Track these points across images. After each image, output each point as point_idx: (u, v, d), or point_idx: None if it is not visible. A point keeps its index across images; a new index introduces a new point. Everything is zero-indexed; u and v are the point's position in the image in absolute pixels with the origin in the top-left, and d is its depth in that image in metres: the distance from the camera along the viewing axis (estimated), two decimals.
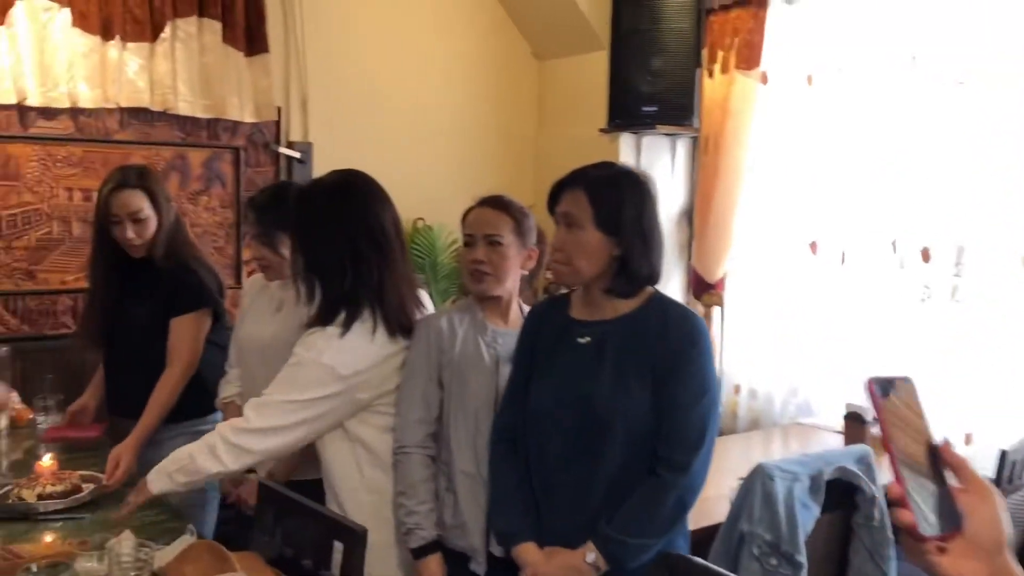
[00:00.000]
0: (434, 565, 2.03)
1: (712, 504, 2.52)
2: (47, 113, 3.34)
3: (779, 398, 3.80)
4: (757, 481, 2.25)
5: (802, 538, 2.26)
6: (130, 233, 2.59)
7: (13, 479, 2.32)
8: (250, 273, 3.62)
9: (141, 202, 2.60)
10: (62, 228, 3.44)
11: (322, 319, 2.11)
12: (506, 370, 2.09)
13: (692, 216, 4.12)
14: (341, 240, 2.09)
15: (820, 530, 2.38)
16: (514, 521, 1.93)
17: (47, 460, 2.34)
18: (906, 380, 0.86)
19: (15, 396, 3.06)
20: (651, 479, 1.82)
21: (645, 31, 3.87)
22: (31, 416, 2.98)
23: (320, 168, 3.82)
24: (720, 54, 3.82)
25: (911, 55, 3.34)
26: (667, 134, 4.01)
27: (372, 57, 4.08)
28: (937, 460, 0.85)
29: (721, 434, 3.66)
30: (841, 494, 2.41)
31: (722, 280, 3.98)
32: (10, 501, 2.15)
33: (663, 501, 1.80)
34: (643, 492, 1.82)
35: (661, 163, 4.10)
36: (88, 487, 2.25)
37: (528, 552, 1.89)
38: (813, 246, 3.71)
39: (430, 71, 4.26)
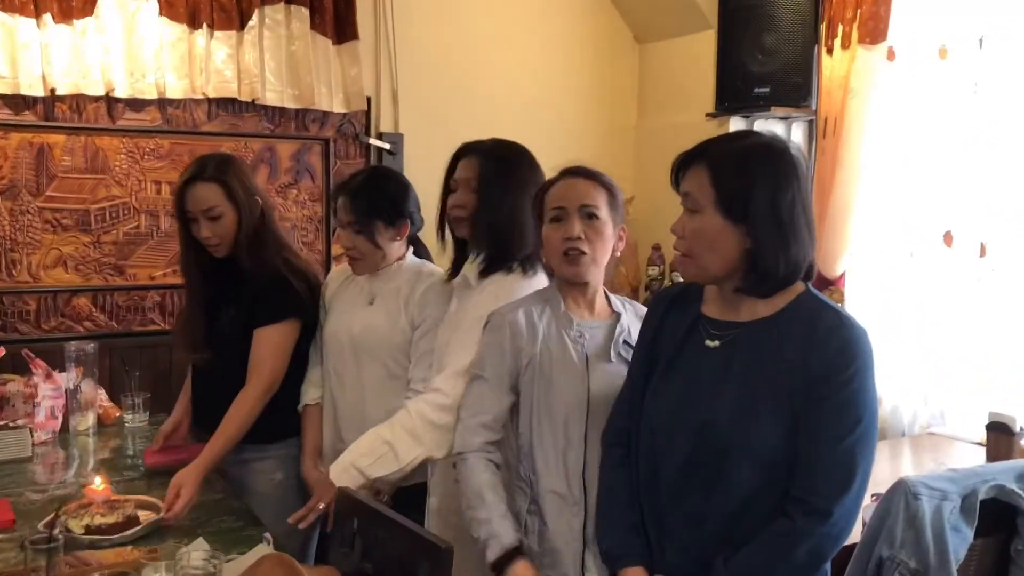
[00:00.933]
0: (522, 569, 1.73)
1: None
2: (135, 105, 3.28)
3: (909, 406, 3.45)
4: (899, 499, 1.95)
5: (954, 566, 1.96)
6: (205, 232, 2.32)
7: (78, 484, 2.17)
8: None
9: (215, 197, 2.31)
10: (150, 222, 3.37)
11: (498, 266, 2.05)
12: (598, 369, 1.84)
13: None
14: (531, 202, 2.00)
15: (973, 557, 2.06)
16: (625, 540, 1.68)
17: (98, 483, 2.12)
18: None
19: (102, 393, 3.00)
20: (782, 522, 1.51)
21: (756, 7, 3.59)
22: (118, 414, 2.92)
23: (411, 160, 3.68)
24: (841, 28, 3.49)
25: None
26: (782, 117, 3.71)
27: (465, 44, 3.91)
28: None
29: None
30: (997, 516, 2.09)
31: (843, 276, 3.65)
32: (57, 531, 1.84)
33: (793, 551, 1.50)
34: (771, 538, 1.51)
35: None
36: (146, 515, 2.00)
37: None
38: (947, 237, 3.35)
39: (525, 58, 4.07)
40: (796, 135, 3.81)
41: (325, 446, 2.39)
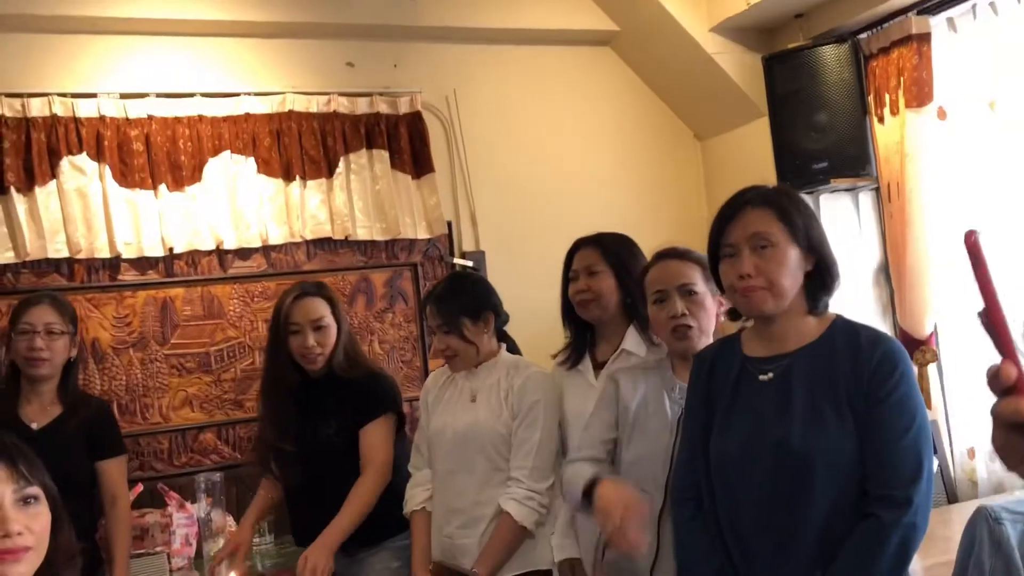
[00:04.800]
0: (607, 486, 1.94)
1: (947, 570, 2.22)
2: (242, 253, 3.64)
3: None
4: (982, 527, 1.96)
5: None
6: (311, 341, 2.57)
7: None
8: None
9: (323, 309, 2.62)
10: (263, 358, 3.65)
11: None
12: None
13: (889, 271, 3.83)
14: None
15: None
16: None
17: (225, 570, 2.33)
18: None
19: (231, 520, 3.22)
20: (868, 521, 1.62)
21: (804, 90, 3.74)
22: None
23: (493, 275, 3.90)
24: (887, 97, 3.62)
25: None
26: (845, 188, 3.81)
27: (533, 162, 4.17)
28: None
29: (960, 500, 3.29)
30: None
31: (933, 335, 3.63)
32: None
33: (885, 544, 1.60)
34: (860, 537, 1.62)
35: (845, 219, 3.88)
36: None
37: None
38: None
39: (592, 169, 4.30)
40: (864, 203, 3.89)
41: (435, 543, 2.47)
